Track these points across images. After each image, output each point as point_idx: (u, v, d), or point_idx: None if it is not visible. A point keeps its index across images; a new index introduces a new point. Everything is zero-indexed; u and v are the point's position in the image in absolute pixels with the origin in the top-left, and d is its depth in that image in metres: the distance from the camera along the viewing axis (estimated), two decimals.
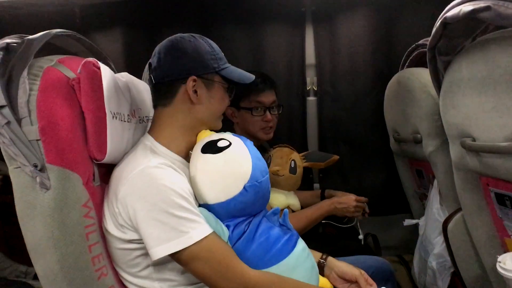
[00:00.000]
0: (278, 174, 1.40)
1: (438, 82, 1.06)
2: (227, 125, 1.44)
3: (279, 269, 0.80)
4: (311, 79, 1.74)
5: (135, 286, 0.81)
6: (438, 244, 1.23)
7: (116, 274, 0.82)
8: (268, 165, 1.44)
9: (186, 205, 0.75)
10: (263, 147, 1.53)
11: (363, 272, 0.95)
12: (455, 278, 1.20)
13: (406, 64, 1.52)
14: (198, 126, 0.89)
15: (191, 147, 0.89)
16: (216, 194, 0.82)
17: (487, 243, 1.02)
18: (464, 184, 1.04)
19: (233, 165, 0.83)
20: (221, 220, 0.83)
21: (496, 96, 0.79)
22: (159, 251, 0.72)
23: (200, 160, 0.84)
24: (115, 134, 0.83)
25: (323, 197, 1.55)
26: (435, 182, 1.30)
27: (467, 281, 1.14)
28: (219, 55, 0.90)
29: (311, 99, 1.76)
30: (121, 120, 0.87)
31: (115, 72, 0.92)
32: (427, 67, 1.06)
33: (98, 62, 0.81)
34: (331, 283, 0.95)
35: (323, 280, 0.94)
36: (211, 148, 0.84)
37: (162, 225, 0.72)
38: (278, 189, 1.42)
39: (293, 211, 1.42)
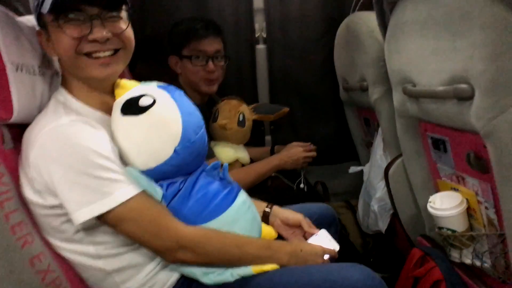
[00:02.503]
0: (226, 127, 1.36)
1: (384, 26, 1.03)
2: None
3: (218, 223, 0.78)
4: (259, 25, 1.65)
5: (68, 251, 0.76)
6: (380, 189, 1.28)
7: (45, 240, 0.76)
8: (216, 118, 1.39)
9: (107, 164, 0.68)
10: (213, 100, 1.47)
11: (306, 217, 0.96)
12: (394, 219, 1.27)
13: (357, 7, 1.47)
14: (70, 79, 0.77)
15: (113, 98, 0.79)
16: (144, 161, 0.74)
17: (422, 186, 1.07)
18: (404, 131, 1.06)
19: (160, 127, 0.73)
20: (155, 181, 0.77)
21: (435, 39, 0.78)
22: (81, 215, 0.67)
23: (121, 124, 0.74)
24: (23, 89, 0.72)
25: (273, 153, 1.54)
26: (380, 129, 1.32)
27: (404, 221, 1.21)
28: None
29: (260, 47, 1.68)
30: (30, 73, 0.75)
31: (20, 15, 0.79)
32: None
33: None
34: (275, 230, 0.96)
35: (267, 229, 0.95)
36: (132, 108, 0.73)
37: (81, 188, 0.66)
38: (226, 142, 1.39)
39: (242, 165, 1.41)
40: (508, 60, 0.61)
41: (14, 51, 0.71)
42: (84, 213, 0.67)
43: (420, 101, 0.89)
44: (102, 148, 0.69)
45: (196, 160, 0.81)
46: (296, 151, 1.34)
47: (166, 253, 0.74)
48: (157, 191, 0.74)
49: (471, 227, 0.87)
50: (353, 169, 1.43)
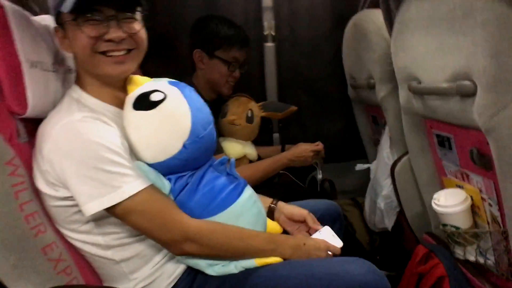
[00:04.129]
0: (234, 123, 1.38)
1: (390, 23, 1.04)
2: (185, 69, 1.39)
3: (224, 217, 0.80)
4: (268, 23, 1.67)
5: (78, 241, 0.79)
6: (386, 186, 1.28)
7: (58, 231, 0.79)
8: (225, 114, 1.41)
9: (116, 159, 0.71)
10: (222, 97, 1.49)
11: (310, 213, 0.97)
12: (401, 216, 1.27)
13: (366, 5, 1.47)
14: (84, 76, 0.80)
15: (125, 93, 0.82)
16: (153, 154, 0.77)
17: (428, 183, 1.07)
18: (410, 128, 1.06)
19: (170, 122, 0.75)
20: (163, 175, 0.79)
21: (439, 37, 0.78)
22: (91, 207, 0.70)
23: (133, 118, 0.77)
24: (37, 85, 0.76)
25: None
26: (387, 127, 1.32)
27: (410, 219, 1.21)
28: None
29: (269, 45, 1.69)
30: (44, 70, 0.78)
31: (35, 14, 0.82)
32: None
33: None
34: (280, 225, 0.98)
35: (272, 224, 0.96)
36: (144, 103, 0.76)
37: (92, 181, 0.69)
38: (234, 138, 1.41)
39: (250, 161, 1.43)
40: (509, 57, 0.62)
41: (29, 49, 0.75)
42: (94, 206, 0.70)
43: (425, 98, 0.90)
44: (113, 143, 0.71)
45: (204, 155, 0.83)
46: (303, 150, 1.36)
47: (172, 245, 0.76)
48: (165, 185, 0.77)
49: (475, 224, 0.87)
50: (359, 166, 1.43)
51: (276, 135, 1.85)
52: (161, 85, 0.79)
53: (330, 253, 0.86)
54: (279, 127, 1.83)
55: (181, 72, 1.36)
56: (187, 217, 0.76)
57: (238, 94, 1.46)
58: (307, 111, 1.78)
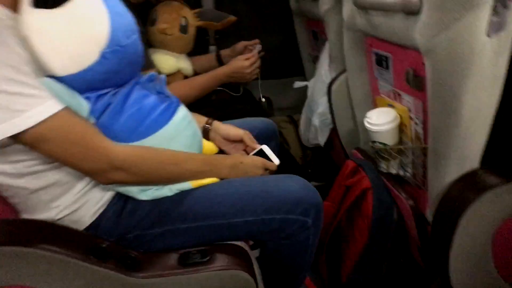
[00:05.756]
0: (166, 32, 1.23)
1: None
2: None
3: (155, 140, 0.73)
4: None
5: None
6: (322, 104, 1.30)
7: None
8: (153, 22, 1.25)
9: (16, 76, 0.58)
10: (149, 2, 1.30)
11: (247, 132, 0.96)
12: (333, 133, 1.32)
13: None
14: None
15: None
16: (63, 64, 0.64)
17: (362, 101, 1.10)
18: (351, 45, 1.04)
19: (82, 24, 0.63)
20: (79, 93, 0.68)
21: None
22: None
23: (33, 19, 0.62)
24: None
25: (219, 60, 1.46)
26: (327, 44, 1.29)
27: (342, 135, 1.27)
28: None
29: None
30: None
31: None
32: None
33: None
34: (216, 146, 0.96)
35: (208, 145, 0.93)
36: None
37: None
38: (167, 50, 1.28)
39: (185, 77, 1.33)
40: None
41: None
42: None
43: (369, 14, 0.86)
44: (10, 58, 0.58)
45: (129, 69, 0.72)
46: (241, 66, 1.28)
47: (97, 174, 0.69)
48: (82, 105, 0.67)
49: (400, 141, 0.94)
50: (297, 84, 1.42)
51: (212, 48, 1.73)
52: None
53: (267, 171, 0.87)
54: (215, 39, 1.71)
55: None
56: (112, 143, 0.68)
57: None
58: (246, 22, 1.66)
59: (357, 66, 1.06)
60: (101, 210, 0.75)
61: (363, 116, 0.98)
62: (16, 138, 0.61)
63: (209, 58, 1.48)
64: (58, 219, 0.73)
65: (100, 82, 0.69)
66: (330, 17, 1.19)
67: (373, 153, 1.01)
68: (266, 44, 1.74)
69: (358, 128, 1.17)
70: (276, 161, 0.89)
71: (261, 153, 0.91)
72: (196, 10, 1.33)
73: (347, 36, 1.04)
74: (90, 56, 0.64)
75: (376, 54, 0.95)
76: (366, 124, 0.92)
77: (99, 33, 0.64)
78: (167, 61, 1.26)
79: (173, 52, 1.28)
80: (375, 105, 1.05)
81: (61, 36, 0.63)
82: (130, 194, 0.76)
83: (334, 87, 1.20)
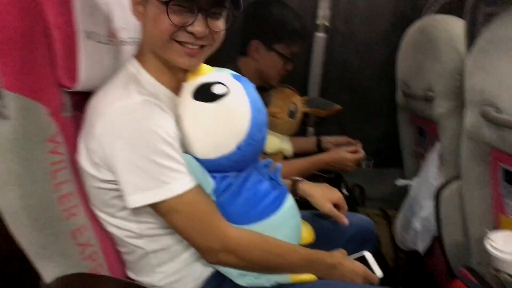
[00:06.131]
0: (276, 116, 1.31)
1: (471, 36, 0.93)
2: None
3: (262, 226, 0.74)
4: (323, 12, 1.55)
5: (111, 225, 0.75)
6: (427, 208, 1.20)
7: (90, 213, 0.75)
8: (267, 105, 1.34)
9: (170, 152, 0.66)
10: (264, 86, 1.41)
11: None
12: (436, 243, 1.19)
13: (433, 8, 1.35)
14: (148, 53, 0.74)
15: (183, 80, 0.76)
16: (206, 150, 0.71)
17: (479, 217, 0.99)
18: (471, 155, 0.97)
19: (229, 119, 0.70)
20: (208, 171, 0.74)
21: None
22: (136, 200, 0.66)
23: (190, 107, 0.71)
24: (91, 58, 0.70)
25: (319, 146, 1.48)
26: (438, 145, 1.23)
27: (448, 247, 1.14)
28: None
29: (320, 35, 1.58)
30: (98, 41, 0.72)
31: None
32: (458, 16, 0.92)
33: None
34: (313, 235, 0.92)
35: (306, 233, 0.91)
36: (205, 94, 0.70)
37: (141, 172, 0.64)
38: (273, 131, 1.34)
39: (285, 157, 1.36)
40: None
41: (87, 18, 0.69)
42: (139, 199, 0.66)
43: (503, 130, 0.80)
44: (168, 134, 0.66)
45: (254, 158, 0.78)
46: (344, 157, 1.28)
47: (208, 252, 0.72)
48: (209, 183, 0.72)
49: None
50: (401, 182, 1.35)
51: (311, 129, 1.77)
52: (225, 78, 0.73)
53: (366, 281, 0.81)
54: (315, 122, 1.75)
55: (222, 52, 1.29)
56: (229, 225, 0.71)
57: (281, 85, 1.37)
58: (348, 111, 1.67)
59: (476, 179, 0.97)
60: (198, 287, 0.77)
61: (480, 233, 0.87)
62: (153, 205, 0.67)
63: (308, 141, 1.51)
64: (160, 287, 0.77)
65: (228, 167, 0.74)
66: (445, 121, 1.14)
67: (492, 280, 0.87)
68: (366, 133, 1.74)
69: (471, 244, 1.03)
70: (379, 273, 0.82)
71: (362, 259, 0.85)
72: (305, 98, 1.39)
73: (467, 145, 0.97)
74: (228, 147, 0.70)
75: (506, 170, 0.86)
76: (489, 248, 0.81)
77: (240, 128, 0.70)
78: (272, 141, 1.32)
79: (278, 134, 1.34)
80: (497, 224, 0.93)
81: (210, 126, 0.70)
82: (229, 276, 0.77)
83: (444, 193, 1.11)
